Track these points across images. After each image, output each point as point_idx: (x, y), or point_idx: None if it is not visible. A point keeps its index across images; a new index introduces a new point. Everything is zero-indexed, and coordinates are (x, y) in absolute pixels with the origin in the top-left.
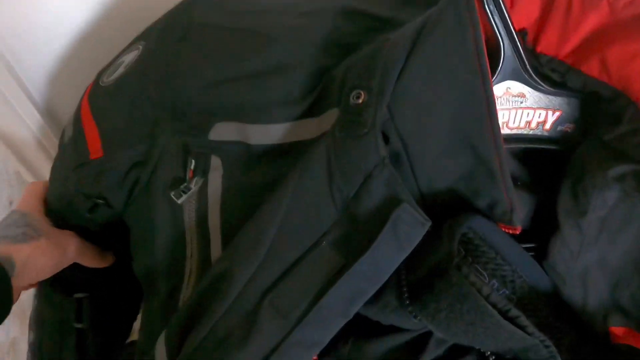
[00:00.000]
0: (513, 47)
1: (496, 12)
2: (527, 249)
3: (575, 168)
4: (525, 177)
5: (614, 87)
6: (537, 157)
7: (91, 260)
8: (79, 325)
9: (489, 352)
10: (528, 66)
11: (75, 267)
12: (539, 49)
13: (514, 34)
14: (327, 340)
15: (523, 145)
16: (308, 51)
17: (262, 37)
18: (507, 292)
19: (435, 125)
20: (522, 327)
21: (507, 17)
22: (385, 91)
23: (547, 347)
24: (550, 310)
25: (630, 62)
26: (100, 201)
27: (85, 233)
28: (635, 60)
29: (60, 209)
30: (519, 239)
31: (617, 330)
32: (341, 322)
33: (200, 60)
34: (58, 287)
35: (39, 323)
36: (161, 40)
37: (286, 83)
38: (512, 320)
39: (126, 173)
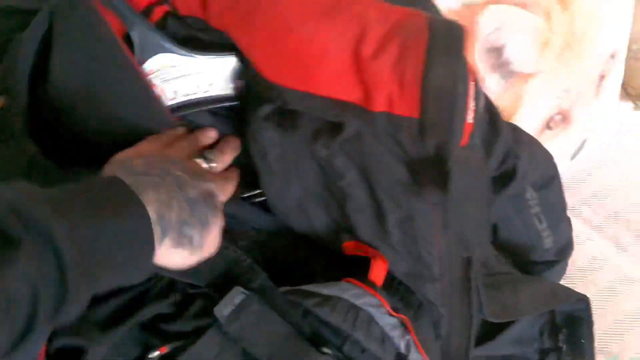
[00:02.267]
0: (143, 25)
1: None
2: (255, 196)
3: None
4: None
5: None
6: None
7: None
8: None
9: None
10: (172, 37)
11: None
12: (183, 12)
13: (136, 14)
14: None
15: (205, 108)
16: None
17: None
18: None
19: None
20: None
21: (126, 5)
22: (21, 91)
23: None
24: (293, 247)
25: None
26: None
27: None
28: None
29: None
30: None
31: (348, 244)
32: None
33: None
34: None
35: None
36: None
37: None
38: None
39: None
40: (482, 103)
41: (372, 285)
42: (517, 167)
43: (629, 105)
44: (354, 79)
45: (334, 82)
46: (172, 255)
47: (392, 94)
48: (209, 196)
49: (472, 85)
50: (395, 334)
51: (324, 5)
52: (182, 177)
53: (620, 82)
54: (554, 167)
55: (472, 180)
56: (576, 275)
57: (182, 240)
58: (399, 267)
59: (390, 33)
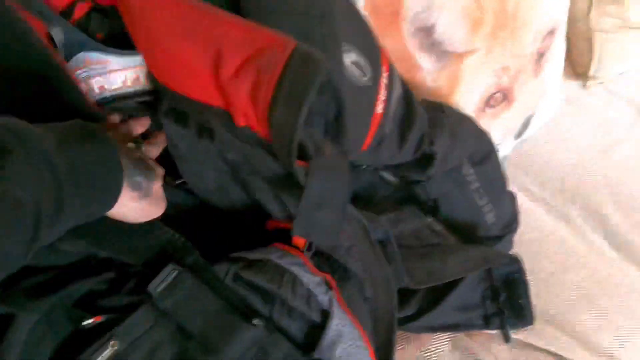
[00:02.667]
0: (63, 25)
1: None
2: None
3: None
4: None
5: None
6: None
7: None
8: None
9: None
10: (95, 33)
11: None
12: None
13: (55, 15)
14: None
15: (132, 101)
16: None
17: None
18: None
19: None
20: None
21: (45, 6)
22: None
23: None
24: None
25: None
26: None
27: None
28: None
29: None
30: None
31: (271, 221)
32: None
33: None
34: None
35: None
36: None
37: None
38: None
39: None
40: (397, 92)
41: (295, 247)
42: (433, 151)
43: (578, 83)
44: (217, 93)
45: (202, 91)
46: (129, 201)
47: (249, 115)
48: (146, 161)
49: (384, 76)
50: (319, 290)
51: (186, 26)
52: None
53: (562, 58)
54: (488, 143)
55: (330, 186)
56: (525, 249)
57: (135, 184)
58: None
59: (251, 59)
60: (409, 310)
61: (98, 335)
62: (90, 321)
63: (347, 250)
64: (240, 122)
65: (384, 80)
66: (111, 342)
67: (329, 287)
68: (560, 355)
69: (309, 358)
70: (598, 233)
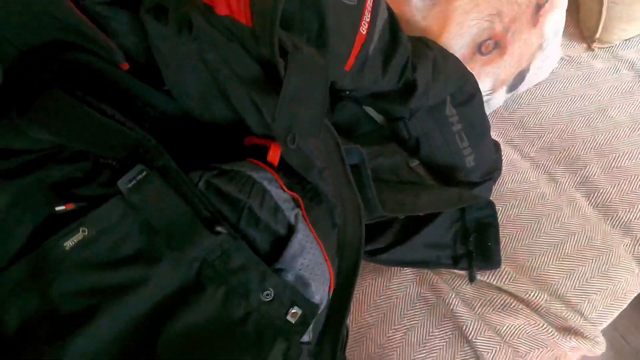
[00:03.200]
0: None
1: None
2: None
3: None
4: None
5: None
6: None
7: None
8: None
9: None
10: None
11: None
12: None
13: None
14: None
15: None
16: None
17: None
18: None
19: None
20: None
21: None
22: None
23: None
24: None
25: None
26: None
27: None
28: None
29: None
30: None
31: (249, 138)
32: None
33: None
34: None
35: None
36: None
37: None
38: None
39: None
40: (382, 17)
41: (269, 164)
42: (416, 80)
43: (583, 46)
44: None
45: None
46: None
47: (231, 3)
48: None
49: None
50: (287, 206)
51: None
52: None
53: (563, 14)
54: (473, 85)
55: (309, 80)
56: (503, 198)
57: None
58: (291, 159)
59: None
60: (381, 243)
61: (69, 223)
62: (62, 207)
63: (320, 172)
64: (223, 10)
65: (369, 2)
66: (81, 229)
67: (297, 205)
68: (523, 298)
69: (271, 267)
70: (580, 192)
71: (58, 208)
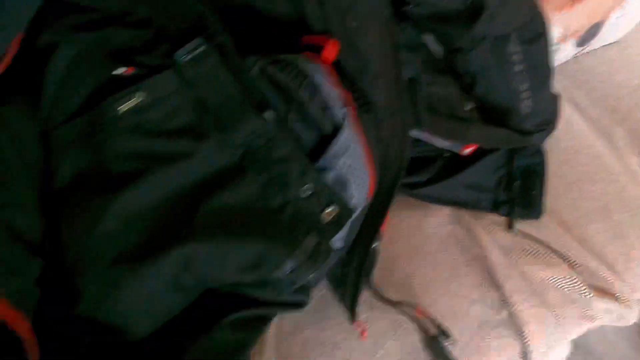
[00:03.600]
0: None
1: None
2: None
3: None
4: None
5: None
6: None
7: None
8: None
9: None
10: None
11: None
12: None
13: None
14: None
15: None
16: None
17: None
18: None
19: None
20: None
21: None
22: None
23: None
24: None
25: None
26: None
27: None
28: None
29: None
30: None
31: (306, 36)
32: None
33: None
34: None
35: None
36: None
37: None
38: None
39: None
40: None
41: (323, 60)
42: (484, 2)
43: None
44: None
45: None
46: None
47: None
48: None
49: None
50: (336, 104)
51: None
52: None
53: None
54: (542, 24)
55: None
56: (556, 154)
57: None
58: (348, 61)
59: None
60: (423, 177)
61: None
62: (122, 70)
63: (374, 78)
64: None
65: None
66: (137, 94)
67: (346, 104)
68: (561, 252)
69: (314, 162)
70: (638, 158)
71: (118, 71)
